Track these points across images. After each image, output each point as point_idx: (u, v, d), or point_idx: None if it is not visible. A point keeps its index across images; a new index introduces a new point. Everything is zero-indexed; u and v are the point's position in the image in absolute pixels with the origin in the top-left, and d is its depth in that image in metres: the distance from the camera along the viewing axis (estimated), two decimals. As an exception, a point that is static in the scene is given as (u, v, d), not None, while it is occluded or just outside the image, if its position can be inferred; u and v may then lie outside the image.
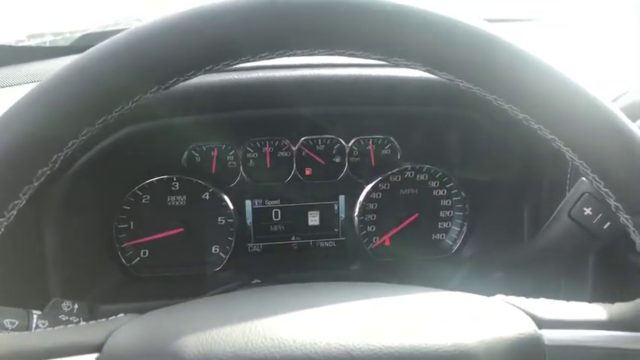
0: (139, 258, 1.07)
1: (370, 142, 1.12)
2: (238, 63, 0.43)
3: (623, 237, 0.49)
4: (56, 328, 0.47)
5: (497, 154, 1.04)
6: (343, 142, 1.11)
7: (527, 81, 0.44)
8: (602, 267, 0.87)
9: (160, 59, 0.41)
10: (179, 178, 1.06)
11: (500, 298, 0.51)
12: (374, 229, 1.14)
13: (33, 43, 1.17)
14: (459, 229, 1.14)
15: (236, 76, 0.87)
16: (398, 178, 1.12)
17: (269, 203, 1.11)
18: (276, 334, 0.42)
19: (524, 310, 0.48)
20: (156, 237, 1.06)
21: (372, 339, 0.42)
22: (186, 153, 1.07)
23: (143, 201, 1.06)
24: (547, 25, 1.30)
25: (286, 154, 1.10)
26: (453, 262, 1.12)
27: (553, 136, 0.45)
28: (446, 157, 1.11)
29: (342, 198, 1.13)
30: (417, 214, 1.13)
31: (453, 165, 1.11)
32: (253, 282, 0.93)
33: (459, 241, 1.14)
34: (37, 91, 0.41)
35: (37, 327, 0.68)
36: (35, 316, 0.69)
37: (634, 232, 0.46)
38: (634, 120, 0.75)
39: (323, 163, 1.11)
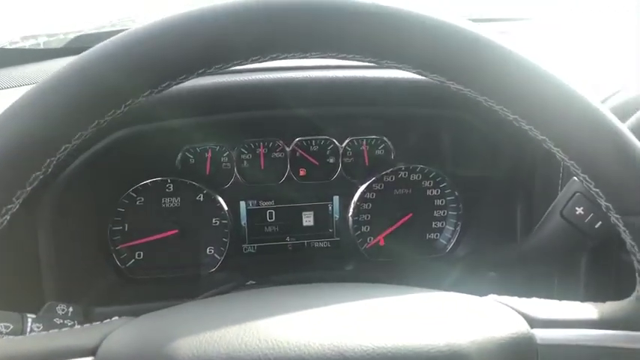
0: (133, 260, 1.07)
1: (364, 142, 1.12)
2: (231, 66, 0.43)
3: (614, 236, 0.49)
4: (51, 331, 0.47)
5: (490, 154, 1.04)
6: (337, 143, 1.11)
7: (517, 83, 0.44)
8: (594, 266, 0.88)
9: (151, 63, 0.41)
10: (173, 180, 1.06)
11: (492, 298, 0.51)
12: (368, 229, 1.14)
13: (26, 44, 1.16)
14: (452, 229, 1.15)
15: (230, 79, 0.87)
16: (392, 178, 1.13)
17: (263, 204, 1.11)
18: (270, 336, 0.42)
19: (516, 310, 0.48)
20: (150, 239, 1.06)
21: (365, 340, 0.42)
22: (180, 155, 1.07)
23: (137, 203, 1.06)
24: (540, 24, 1.30)
25: (280, 155, 1.10)
26: (447, 262, 1.12)
27: (544, 137, 0.46)
28: (439, 157, 1.11)
29: (336, 198, 1.13)
30: (411, 214, 1.13)
31: (446, 165, 1.12)
32: (248, 283, 0.93)
33: (453, 241, 1.15)
34: (27, 97, 0.41)
35: (31, 331, 0.68)
36: (30, 320, 0.69)
37: (624, 231, 0.47)
38: (625, 118, 0.76)
39: (317, 163, 1.11)
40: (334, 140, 1.11)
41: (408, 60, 0.44)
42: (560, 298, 0.51)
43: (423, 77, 0.46)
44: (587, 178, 0.46)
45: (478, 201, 1.12)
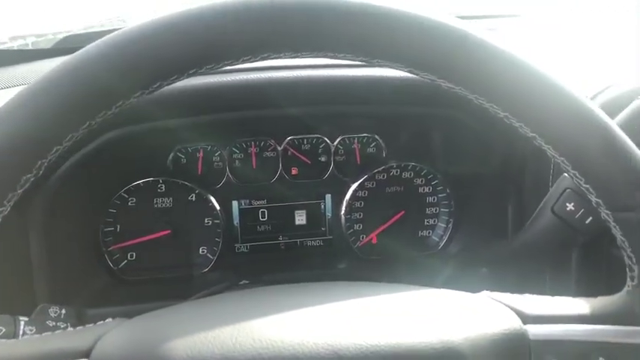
0: (126, 261, 1.07)
1: (355, 140, 1.12)
2: (222, 66, 0.43)
3: (605, 232, 0.50)
4: (44, 334, 0.47)
5: (481, 151, 1.05)
6: (328, 142, 1.11)
7: (507, 80, 0.44)
8: (585, 261, 0.89)
9: (142, 64, 0.41)
10: (165, 180, 1.06)
11: (485, 295, 0.51)
12: (361, 227, 1.14)
13: (15, 45, 1.15)
14: (444, 226, 1.15)
15: (221, 79, 0.87)
16: (384, 176, 1.13)
17: (256, 203, 1.11)
18: (264, 336, 0.42)
19: (509, 306, 0.49)
20: (143, 239, 1.06)
21: (359, 338, 0.42)
22: (171, 155, 1.06)
23: (129, 204, 1.06)
24: (528, 21, 1.31)
25: (272, 154, 1.10)
26: (439, 259, 1.12)
27: (534, 135, 0.46)
28: (431, 155, 1.12)
29: (328, 197, 1.13)
30: (403, 212, 1.14)
31: (438, 162, 1.12)
32: (241, 283, 0.93)
33: (445, 238, 1.15)
34: (18, 98, 0.41)
35: (24, 334, 0.68)
36: (22, 323, 0.68)
37: (614, 227, 0.47)
38: (615, 115, 0.76)
39: (309, 162, 1.11)
40: (326, 139, 1.11)
41: (400, 59, 0.44)
42: (552, 294, 0.52)
43: (414, 76, 0.46)
44: (577, 175, 0.46)
45: (470, 198, 1.12)
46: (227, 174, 1.09)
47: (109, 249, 1.06)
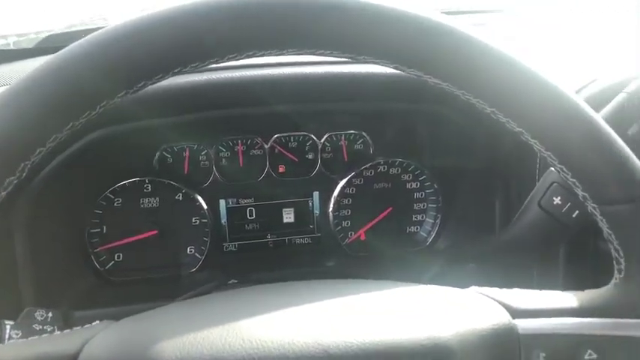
0: (113, 262, 1.06)
1: (342, 137, 1.12)
2: (207, 65, 0.43)
3: (592, 225, 0.50)
4: (30, 338, 0.46)
5: (467, 146, 1.05)
6: (315, 139, 1.11)
7: (493, 76, 0.44)
8: (572, 255, 0.89)
9: (127, 63, 0.41)
10: (151, 180, 1.05)
11: (474, 290, 0.51)
12: (349, 224, 1.14)
13: (-5, 45, 1.14)
14: (432, 222, 1.15)
15: (206, 77, 0.87)
16: (371, 173, 1.13)
17: (243, 202, 1.11)
18: (254, 336, 0.42)
19: (498, 301, 0.49)
20: (129, 240, 1.05)
21: (348, 336, 0.42)
22: (157, 154, 1.06)
23: (115, 204, 1.05)
24: (511, 16, 1.31)
25: (259, 152, 1.09)
26: (427, 255, 1.13)
27: (520, 130, 0.46)
28: (418, 151, 1.12)
29: (316, 194, 1.13)
30: (391, 208, 1.14)
31: (425, 158, 1.12)
32: (230, 282, 0.92)
33: (433, 233, 1.15)
34: (0, 99, 0.40)
35: (10, 338, 0.67)
36: (8, 327, 0.68)
37: (601, 220, 0.47)
38: (600, 108, 0.77)
39: (296, 160, 1.11)
40: (313, 136, 1.10)
41: (386, 55, 0.44)
42: (540, 288, 0.52)
43: (400, 72, 0.46)
44: (563, 169, 0.47)
45: (457, 193, 1.13)
46: (214, 173, 1.08)
47: (96, 250, 1.05)
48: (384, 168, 1.13)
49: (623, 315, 0.48)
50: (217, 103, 0.91)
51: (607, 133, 0.45)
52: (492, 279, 0.63)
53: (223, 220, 1.10)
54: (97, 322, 0.48)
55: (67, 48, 0.41)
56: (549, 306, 0.49)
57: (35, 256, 0.94)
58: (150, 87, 0.43)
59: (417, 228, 1.16)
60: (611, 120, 0.71)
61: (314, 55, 0.44)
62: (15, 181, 0.41)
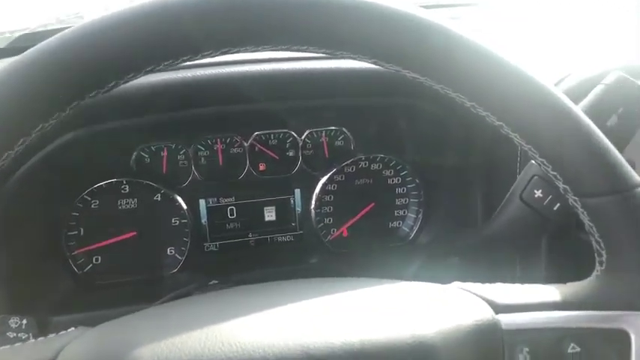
0: (91, 265, 1.04)
1: (323, 134, 1.11)
2: (181, 62, 0.42)
3: (573, 218, 0.50)
4: (2, 348, 0.45)
5: (448, 140, 1.05)
6: (296, 136, 1.10)
7: (472, 70, 0.44)
8: (554, 248, 0.90)
9: (95, 62, 0.39)
10: (129, 181, 1.03)
11: (456, 285, 0.51)
12: (331, 220, 1.14)
13: (-31, 44, 1.11)
14: (415, 216, 1.15)
15: (182, 75, 0.85)
16: (352, 169, 1.12)
17: (223, 201, 1.09)
18: (233, 338, 0.41)
19: (480, 296, 0.49)
20: (108, 242, 1.03)
21: (330, 336, 0.42)
22: (134, 154, 1.04)
23: (92, 206, 1.03)
24: (486, 9, 1.32)
25: (239, 151, 1.08)
26: (410, 250, 1.13)
27: (500, 123, 0.46)
28: (399, 146, 1.12)
29: (297, 192, 1.12)
30: (373, 204, 1.13)
31: (406, 153, 1.12)
32: (210, 283, 0.91)
33: (416, 228, 1.15)
34: None
35: (-17, 346, 0.65)
36: (-20, 335, 0.66)
37: (582, 212, 0.47)
38: (578, 100, 0.77)
39: (276, 157, 1.09)
40: (293, 133, 1.09)
41: (363, 50, 0.44)
42: (523, 282, 0.52)
43: (379, 67, 0.46)
44: (544, 162, 0.46)
45: (439, 187, 1.13)
46: (193, 172, 1.06)
47: (73, 253, 1.02)
48: (365, 164, 1.13)
49: (605, 307, 0.48)
50: (194, 102, 0.90)
51: (586, 126, 0.45)
52: (476, 273, 0.62)
53: (204, 219, 1.09)
54: (72, 328, 0.47)
55: (34, 47, 0.40)
56: (532, 300, 0.49)
57: (10, 263, 0.91)
58: (124, 86, 0.42)
59: (399, 223, 1.16)
60: (590, 112, 0.71)
61: (290, 51, 0.44)
62: None
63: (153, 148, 1.04)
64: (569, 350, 0.46)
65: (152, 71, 0.42)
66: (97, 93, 0.41)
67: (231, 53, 0.43)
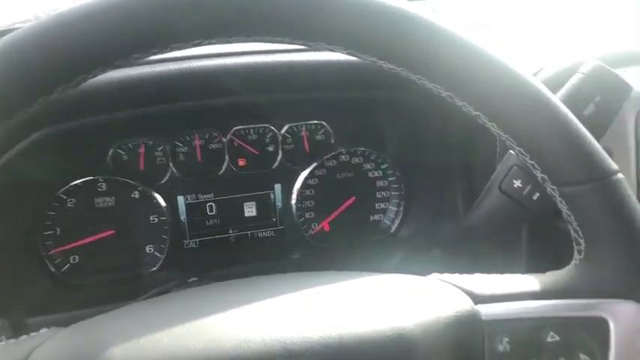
0: (68, 265, 1.02)
1: (303, 128, 1.10)
2: (149, 55, 0.41)
3: (552, 207, 0.50)
4: None
5: (426, 133, 1.05)
6: (276, 130, 1.09)
7: (448, 60, 0.43)
8: (534, 237, 0.90)
9: (60, 55, 0.38)
10: (105, 179, 1.01)
11: (435, 277, 0.51)
12: (312, 215, 1.13)
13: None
14: (396, 209, 1.15)
15: (157, 69, 0.83)
16: (333, 163, 1.12)
17: (203, 197, 1.08)
18: (209, 336, 0.40)
19: (459, 287, 0.48)
20: (85, 241, 1.01)
21: (308, 331, 0.41)
22: (110, 152, 1.02)
23: (68, 205, 1.01)
24: (465, 1, 1.31)
25: (218, 146, 1.07)
26: (392, 243, 1.12)
27: (478, 113, 0.45)
28: (378, 139, 1.11)
29: (277, 187, 1.11)
30: (354, 198, 1.13)
31: (385, 146, 1.12)
32: (189, 280, 0.90)
33: (397, 221, 1.15)
34: None
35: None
36: (-47, 338, 0.64)
37: (560, 201, 0.47)
38: (556, 90, 0.77)
39: (256, 152, 1.08)
40: (273, 128, 1.08)
41: (338, 41, 0.43)
42: (504, 271, 0.52)
43: (356, 59, 0.45)
44: (522, 152, 0.46)
45: (419, 180, 1.13)
46: (171, 169, 1.05)
47: (50, 253, 1.00)
48: (345, 158, 1.12)
49: (584, 295, 0.48)
50: (171, 96, 0.88)
51: (564, 114, 0.45)
52: (457, 264, 0.62)
53: (182, 216, 1.07)
54: (45, 329, 0.45)
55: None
56: (511, 290, 0.48)
57: None
58: (96, 80, 0.41)
59: (380, 216, 1.16)
60: (568, 101, 0.71)
61: (264, 42, 0.43)
62: None
63: (130, 145, 1.03)
64: (549, 339, 0.46)
65: (121, 65, 0.41)
66: (64, 88, 0.40)
67: (203, 45, 0.42)
